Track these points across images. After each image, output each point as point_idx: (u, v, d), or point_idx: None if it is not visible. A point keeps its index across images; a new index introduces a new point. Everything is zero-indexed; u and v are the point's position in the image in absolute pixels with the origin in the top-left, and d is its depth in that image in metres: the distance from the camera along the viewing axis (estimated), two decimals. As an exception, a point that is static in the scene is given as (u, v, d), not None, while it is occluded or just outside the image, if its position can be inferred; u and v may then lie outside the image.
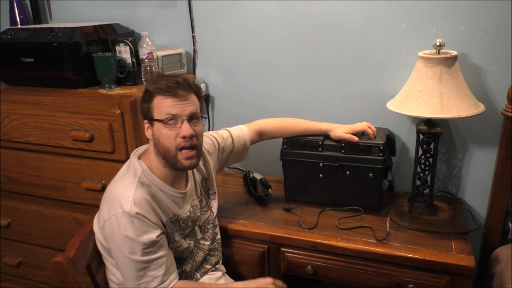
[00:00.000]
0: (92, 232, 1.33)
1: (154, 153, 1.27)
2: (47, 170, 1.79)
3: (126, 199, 1.19)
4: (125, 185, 1.23)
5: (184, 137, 1.21)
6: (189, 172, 1.39)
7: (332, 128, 1.60)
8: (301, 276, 1.52)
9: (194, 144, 1.24)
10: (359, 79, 1.76)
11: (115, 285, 1.33)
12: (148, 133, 1.28)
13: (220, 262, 1.51)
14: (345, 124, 1.62)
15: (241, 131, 1.60)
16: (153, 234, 1.20)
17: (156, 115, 1.23)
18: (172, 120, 1.21)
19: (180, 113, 1.21)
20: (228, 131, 1.59)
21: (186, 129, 1.21)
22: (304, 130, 1.63)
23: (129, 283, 1.21)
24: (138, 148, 1.36)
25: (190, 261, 1.39)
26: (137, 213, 1.17)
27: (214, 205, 1.49)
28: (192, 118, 1.24)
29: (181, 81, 1.23)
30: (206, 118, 1.35)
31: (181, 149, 1.23)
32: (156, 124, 1.23)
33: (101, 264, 1.37)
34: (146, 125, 1.28)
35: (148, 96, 1.25)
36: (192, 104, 1.24)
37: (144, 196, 1.21)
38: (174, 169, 1.27)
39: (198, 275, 1.42)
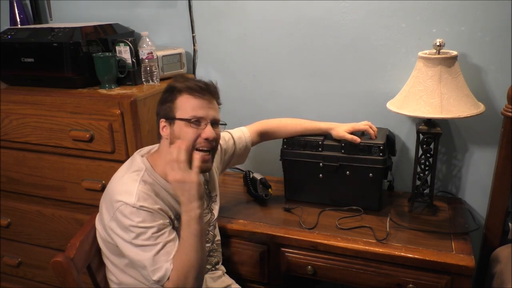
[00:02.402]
0: (92, 232, 1.32)
1: (165, 152, 1.24)
2: (47, 170, 1.79)
3: (129, 194, 1.17)
4: (128, 181, 1.22)
5: (207, 139, 1.22)
6: None
7: (334, 127, 1.60)
8: (301, 276, 1.52)
9: (213, 147, 1.25)
10: (359, 79, 1.76)
11: (115, 285, 1.32)
12: (164, 132, 1.26)
13: (220, 263, 1.50)
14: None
15: (242, 133, 1.60)
16: (160, 220, 1.18)
17: (180, 114, 1.22)
18: (197, 121, 1.22)
19: (205, 116, 1.23)
20: (229, 133, 1.59)
21: (210, 131, 1.22)
22: (305, 129, 1.63)
23: (143, 269, 1.16)
24: (141, 149, 1.35)
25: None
26: (141, 206, 1.16)
27: (216, 207, 1.48)
28: (214, 122, 1.25)
29: (210, 84, 1.26)
30: (225, 124, 1.37)
31: (199, 149, 1.23)
32: (178, 122, 1.22)
33: (101, 264, 1.36)
34: (163, 124, 1.26)
35: (172, 95, 1.24)
36: (215, 109, 1.27)
37: (148, 192, 1.20)
38: None
39: (198, 275, 1.42)
